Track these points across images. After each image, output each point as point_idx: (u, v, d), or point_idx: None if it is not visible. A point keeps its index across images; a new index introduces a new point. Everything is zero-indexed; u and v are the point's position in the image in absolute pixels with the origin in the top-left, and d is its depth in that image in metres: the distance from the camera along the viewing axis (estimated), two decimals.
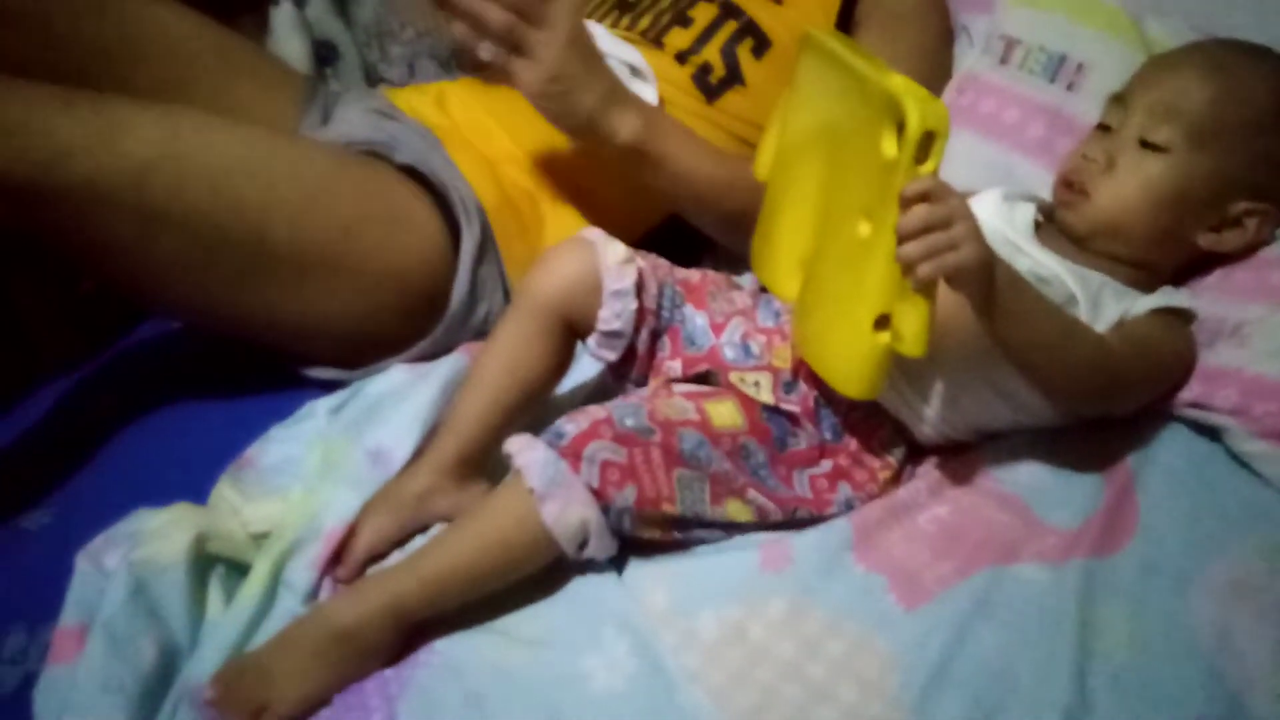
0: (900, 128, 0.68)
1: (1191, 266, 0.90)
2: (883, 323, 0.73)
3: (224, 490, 0.88)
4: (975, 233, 0.69)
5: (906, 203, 0.68)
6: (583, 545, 0.77)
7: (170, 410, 1.02)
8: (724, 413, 0.83)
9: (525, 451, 0.77)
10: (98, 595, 0.77)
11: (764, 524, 0.82)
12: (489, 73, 1.01)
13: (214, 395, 1.02)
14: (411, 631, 0.76)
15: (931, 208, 0.68)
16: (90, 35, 1.00)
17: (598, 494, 0.75)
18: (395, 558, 0.84)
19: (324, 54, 1.65)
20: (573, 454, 0.75)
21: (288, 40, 1.60)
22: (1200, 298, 0.87)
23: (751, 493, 0.82)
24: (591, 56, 0.99)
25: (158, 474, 0.94)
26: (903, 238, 0.68)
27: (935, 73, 1.13)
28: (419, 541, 0.84)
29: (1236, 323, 0.85)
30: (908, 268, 0.69)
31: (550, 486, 0.75)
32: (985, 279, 0.70)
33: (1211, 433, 0.83)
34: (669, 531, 0.80)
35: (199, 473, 0.91)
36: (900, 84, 0.69)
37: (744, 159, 1.02)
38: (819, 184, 0.81)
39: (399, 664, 0.75)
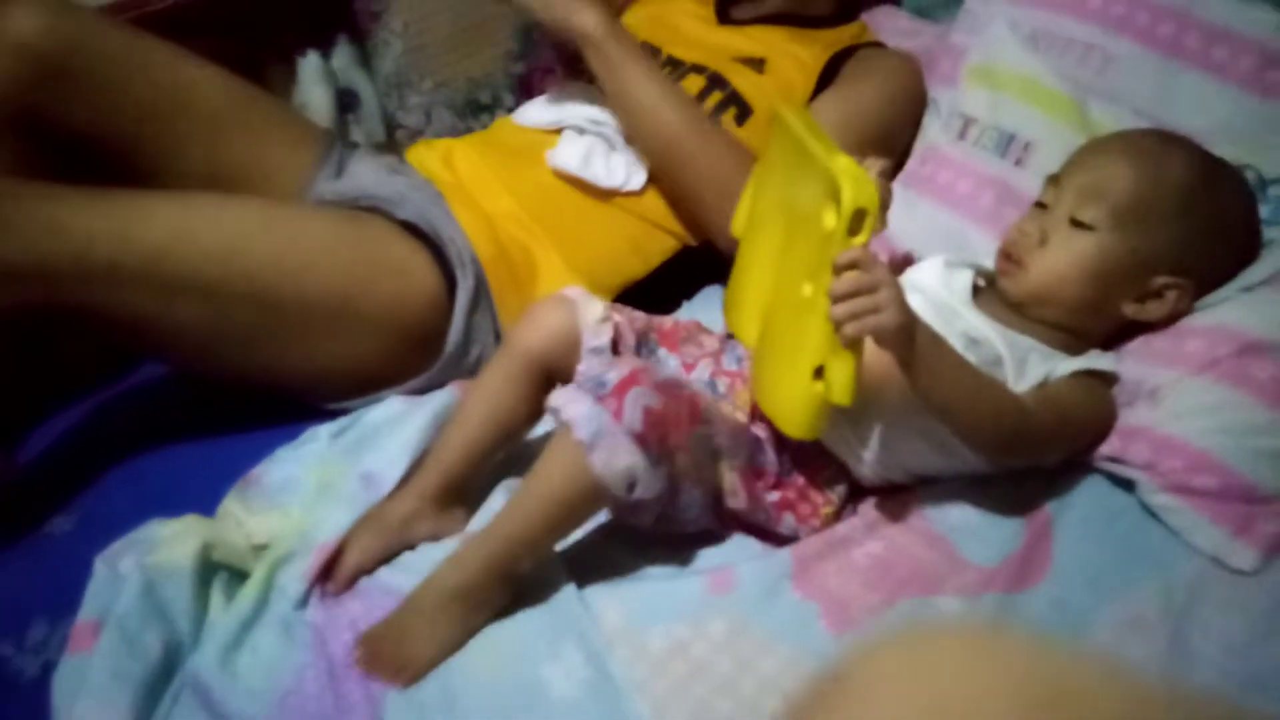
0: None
1: (1118, 333, 0.97)
2: (820, 373, 0.81)
3: (231, 505, 0.97)
4: (897, 299, 0.78)
5: (838, 269, 0.77)
6: (631, 488, 0.82)
7: (186, 430, 1.11)
8: (724, 407, 0.92)
9: (571, 405, 0.82)
10: (113, 594, 0.86)
11: (724, 507, 0.90)
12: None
13: (227, 417, 1.11)
14: (517, 584, 0.86)
15: (859, 275, 0.77)
16: (138, 96, 1.12)
17: (640, 438, 0.81)
18: (383, 573, 0.92)
19: (346, 101, 1.75)
20: (616, 398, 0.82)
21: (313, 88, 1.71)
22: (1123, 361, 0.95)
23: (736, 471, 0.90)
24: None
25: (172, 487, 1.03)
26: (833, 300, 0.77)
27: (880, 133, 1.22)
28: (407, 557, 0.93)
29: (1153, 385, 0.92)
30: (837, 326, 0.78)
31: (596, 437, 0.81)
32: (906, 339, 0.79)
33: (1126, 485, 0.91)
34: (686, 487, 0.86)
35: (209, 488, 1.00)
36: (842, 165, 0.78)
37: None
38: (779, 245, 0.90)
39: None
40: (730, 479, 0.90)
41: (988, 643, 0.28)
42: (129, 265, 0.97)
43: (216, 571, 0.92)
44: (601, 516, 0.90)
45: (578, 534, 0.89)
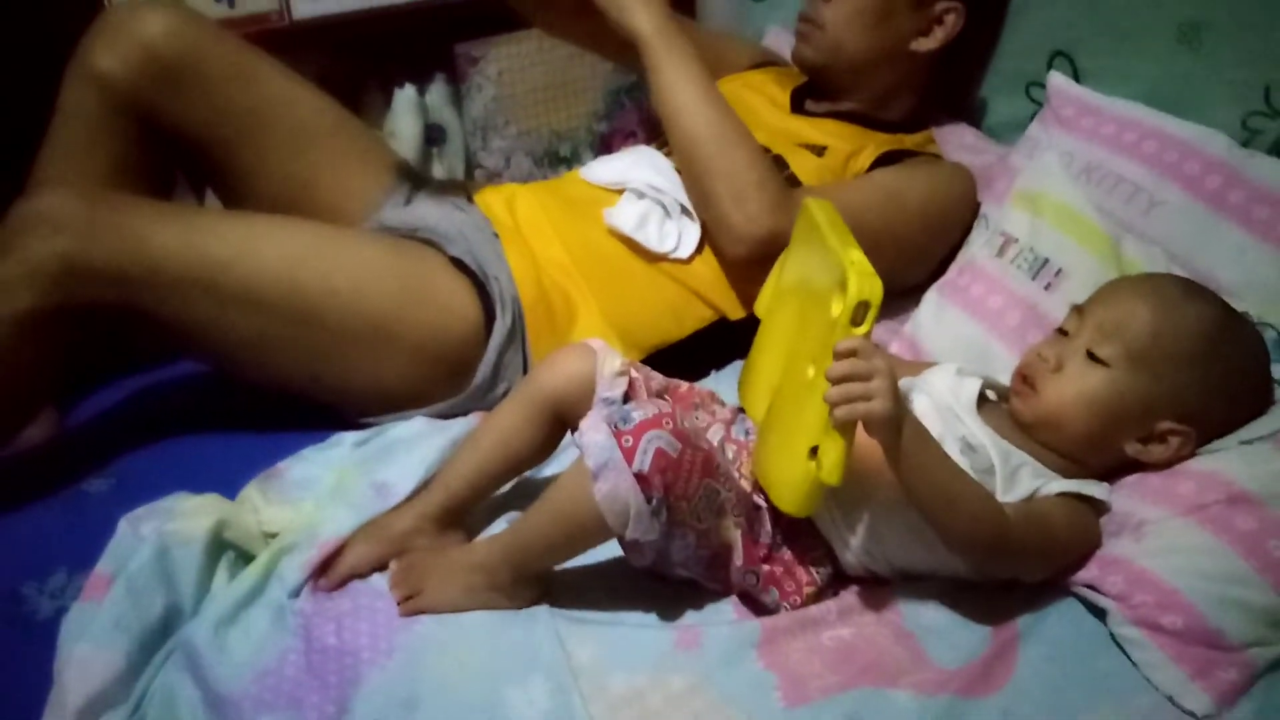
0: None
1: (1116, 469, 0.99)
2: (815, 453, 0.85)
3: (251, 491, 1.04)
4: (889, 390, 0.81)
5: (838, 355, 0.82)
6: (626, 526, 0.85)
7: (225, 420, 1.19)
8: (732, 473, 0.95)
9: (589, 432, 0.86)
10: (130, 553, 0.93)
11: (719, 564, 0.93)
12: None
13: (263, 415, 1.18)
14: (533, 582, 0.94)
15: (855, 363, 0.81)
16: (237, 102, 1.23)
17: (644, 480, 0.84)
18: (376, 579, 0.97)
19: (434, 135, 1.86)
20: (634, 435, 0.84)
21: (404, 117, 1.81)
22: (1114, 493, 0.97)
23: (739, 530, 0.93)
24: None
25: (203, 468, 1.10)
26: (830, 383, 0.82)
27: (913, 226, 1.27)
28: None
29: (1140, 520, 0.94)
30: (831, 408, 0.82)
31: (602, 468, 0.84)
32: (893, 429, 0.82)
33: (1099, 612, 0.92)
34: (682, 534, 0.89)
35: (236, 474, 1.07)
36: (854, 259, 0.83)
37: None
38: (795, 328, 0.95)
39: (367, 655, 0.89)
40: (734, 536, 0.93)
41: None
42: (194, 278, 1.06)
43: (226, 550, 0.98)
44: (592, 555, 0.94)
45: (564, 568, 0.94)
